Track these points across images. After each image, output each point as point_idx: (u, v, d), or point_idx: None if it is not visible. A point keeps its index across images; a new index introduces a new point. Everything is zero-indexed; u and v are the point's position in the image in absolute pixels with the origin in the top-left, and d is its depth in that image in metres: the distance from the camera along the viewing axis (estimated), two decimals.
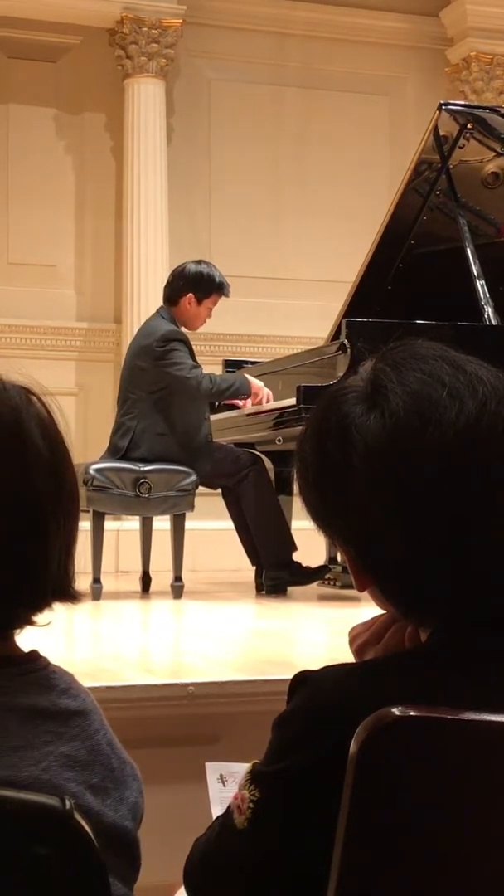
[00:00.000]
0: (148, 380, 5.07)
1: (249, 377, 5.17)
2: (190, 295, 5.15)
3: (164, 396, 5.05)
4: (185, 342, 5.10)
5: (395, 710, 1.01)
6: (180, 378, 5.00)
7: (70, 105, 7.14)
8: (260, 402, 5.14)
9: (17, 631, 1.21)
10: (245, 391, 5.11)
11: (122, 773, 1.19)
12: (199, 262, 5.31)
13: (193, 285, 5.16)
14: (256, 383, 5.14)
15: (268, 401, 5.12)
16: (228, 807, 1.17)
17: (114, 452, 5.08)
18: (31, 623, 1.20)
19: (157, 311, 5.29)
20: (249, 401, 5.17)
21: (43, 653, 1.23)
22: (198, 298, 5.16)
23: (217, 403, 5.41)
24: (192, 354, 5.12)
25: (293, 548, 5.09)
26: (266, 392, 5.14)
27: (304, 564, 5.15)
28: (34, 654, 1.21)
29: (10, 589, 1.15)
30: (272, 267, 7.37)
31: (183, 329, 5.19)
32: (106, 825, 1.15)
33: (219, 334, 7.03)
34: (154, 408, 5.05)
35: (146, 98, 7.00)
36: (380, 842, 1.03)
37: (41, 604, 1.18)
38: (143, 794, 1.22)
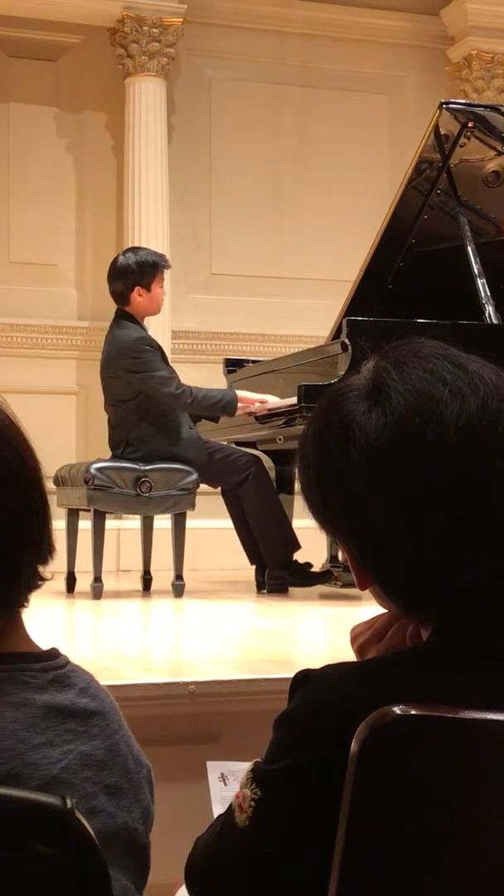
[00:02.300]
0: (123, 388, 5.05)
1: (241, 393, 5.08)
2: (137, 288, 5.10)
3: (141, 402, 5.03)
4: (155, 347, 5.06)
5: (396, 709, 1.01)
6: (158, 391, 4.96)
7: (71, 104, 7.14)
8: (254, 412, 5.09)
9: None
10: (231, 410, 5.03)
11: (137, 776, 1.19)
12: (125, 252, 5.27)
13: (133, 278, 5.10)
14: (252, 398, 5.08)
15: (263, 403, 5.07)
16: (230, 805, 1.17)
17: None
18: (41, 580, 1.23)
19: (116, 315, 5.21)
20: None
21: None
22: (144, 287, 5.10)
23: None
24: (164, 359, 5.09)
25: (295, 547, 5.08)
26: (261, 400, 5.08)
27: (306, 562, 5.15)
28: (54, 652, 1.22)
29: (34, 549, 1.20)
30: (273, 265, 7.36)
31: (146, 321, 5.16)
32: (118, 826, 1.15)
33: (220, 333, 7.03)
34: (137, 415, 5.04)
35: (147, 97, 6.99)
36: (381, 840, 1.03)
37: (48, 558, 1.23)
38: (154, 800, 1.22)
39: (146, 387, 4.98)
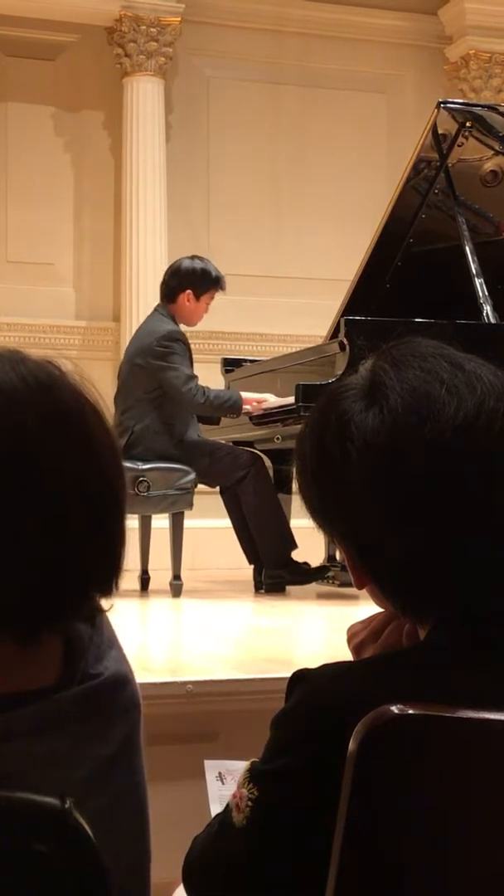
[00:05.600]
0: (146, 379, 5.06)
1: (244, 394, 5.10)
2: (188, 292, 5.15)
3: (159, 395, 5.04)
4: (186, 344, 5.10)
5: (394, 708, 1.01)
6: (175, 387, 4.98)
7: (68, 103, 7.14)
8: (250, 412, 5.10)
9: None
10: (237, 411, 5.06)
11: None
12: (194, 257, 5.31)
13: (191, 282, 5.16)
14: (252, 398, 5.08)
15: (259, 403, 5.08)
16: (227, 805, 1.17)
17: None
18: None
19: (155, 310, 5.28)
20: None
21: None
22: (196, 294, 5.16)
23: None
24: (190, 358, 5.11)
25: (293, 546, 5.08)
26: (262, 399, 5.09)
27: (304, 562, 5.15)
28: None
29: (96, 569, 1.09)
30: (270, 265, 7.36)
31: (182, 327, 5.19)
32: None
33: (217, 332, 7.03)
34: (151, 407, 5.04)
35: (145, 96, 6.99)
36: (378, 840, 1.03)
37: (111, 588, 1.12)
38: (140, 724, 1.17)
39: (164, 378, 4.99)
